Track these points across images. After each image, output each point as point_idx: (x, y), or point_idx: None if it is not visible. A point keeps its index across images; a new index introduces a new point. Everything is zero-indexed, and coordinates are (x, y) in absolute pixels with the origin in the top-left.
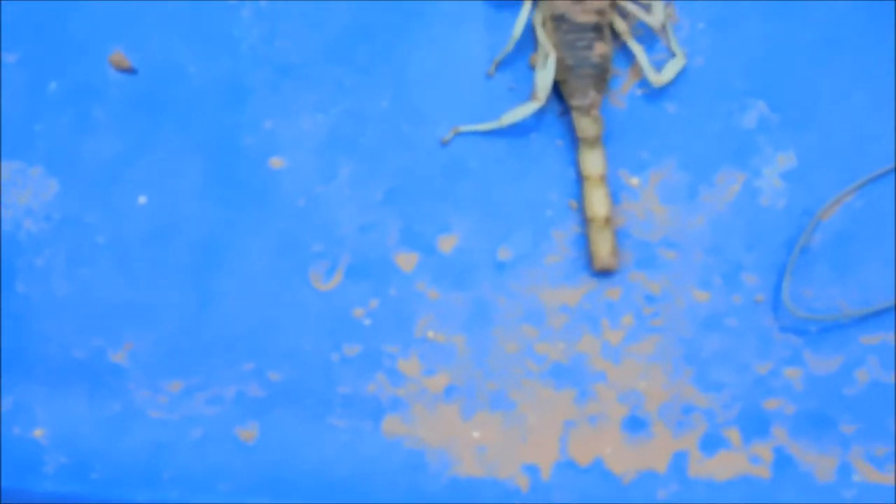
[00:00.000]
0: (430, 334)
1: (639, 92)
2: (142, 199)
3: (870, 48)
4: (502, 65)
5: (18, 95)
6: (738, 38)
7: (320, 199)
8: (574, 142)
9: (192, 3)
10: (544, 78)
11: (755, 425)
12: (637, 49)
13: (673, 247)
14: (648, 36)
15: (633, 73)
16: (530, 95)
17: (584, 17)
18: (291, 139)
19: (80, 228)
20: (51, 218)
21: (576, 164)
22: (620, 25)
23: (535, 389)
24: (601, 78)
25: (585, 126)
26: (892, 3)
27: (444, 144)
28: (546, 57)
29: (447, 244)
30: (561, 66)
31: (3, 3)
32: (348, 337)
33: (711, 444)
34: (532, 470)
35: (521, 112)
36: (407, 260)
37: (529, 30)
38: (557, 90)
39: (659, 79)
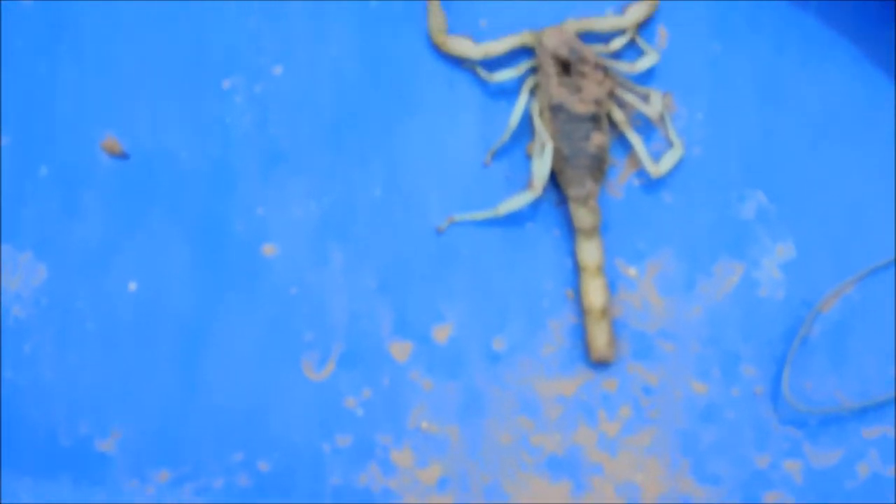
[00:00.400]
0: (424, 425)
1: (636, 182)
2: (132, 286)
3: (867, 139)
4: (499, 153)
5: (9, 179)
6: (736, 129)
7: (312, 286)
8: (571, 231)
9: (184, 88)
10: (541, 167)
11: None
12: (635, 139)
13: (670, 338)
14: (646, 126)
15: (630, 162)
16: (527, 185)
17: (582, 107)
18: (283, 226)
19: (69, 314)
20: (39, 303)
21: (572, 253)
22: (618, 115)
23: (531, 482)
24: (598, 168)
25: (582, 216)
26: (891, 93)
27: (440, 233)
28: (543, 146)
29: (442, 333)
30: (558, 155)
31: None
32: (340, 427)
33: None
34: None
35: (518, 201)
36: (401, 349)
37: (526, 118)
38: (554, 180)
39: (657, 169)
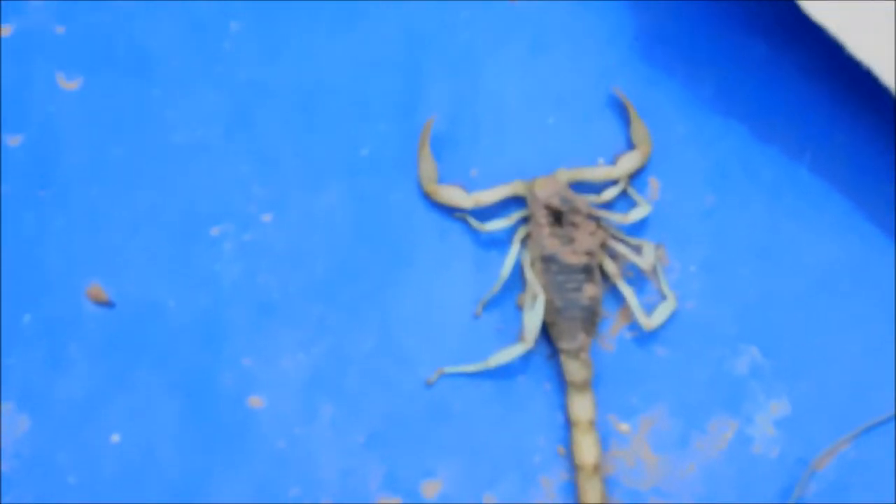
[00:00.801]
0: None
1: (628, 335)
2: (115, 438)
3: (864, 295)
4: (490, 305)
5: None
6: (730, 282)
7: (300, 441)
8: (562, 385)
9: (172, 235)
10: (532, 320)
11: None
12: (627, 291)
13: (664, 496)
14: (639, 278)
15: (622, 315)
16: (518, 337)
17: (574, 258)
18: (271, 378)
19: (51, 468)
20: (20, 455)
21: (564, 408)
22: (610, 267)
23: None
24: (590, 321)
25: (574, 370)
26: (888, 249)
27: (429, 386)
28: (534, 298)
29: (431, 490)
30: (550, 307)
31: None
32: None
33: None
34: None
35: (509, 354)
36: None
37: (518, 270)
38: (546, 332)
39: (649, 322)
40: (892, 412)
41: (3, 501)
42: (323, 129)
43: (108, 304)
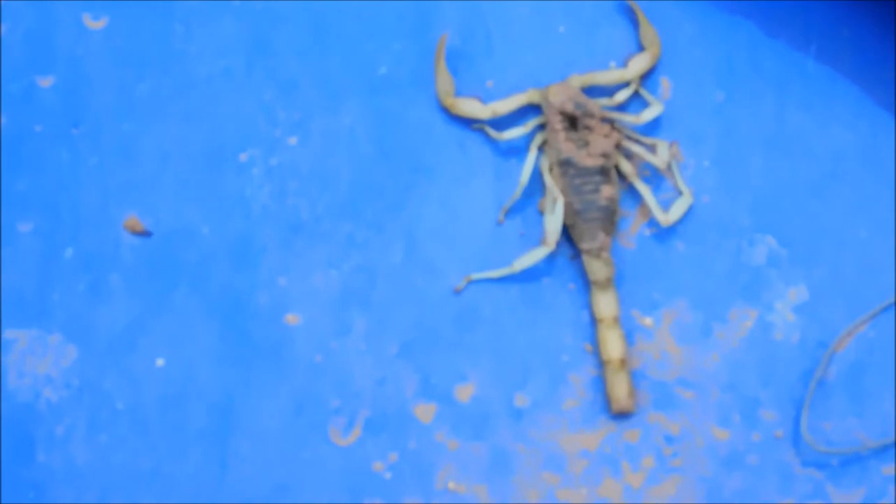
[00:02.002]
0: (451, 485)
1: (647, 232)
2: (159, 362)
3: (873, 179)
4: (511, 211)
5: (35, 264)
6: (744, 175)
7: (336, 354)
8: (586, 284)
9: (203, 164)
10: (553, 223)
11: None
12: (644, 189)
13: (690, 386)
14: (655, 176)
15: (641, 213)
16: (540, 241)
17: (590, 161)
18: (305, 295)
19: (99, 394)
20: (70, 385)
21: (589, 306)
22: (626, 167)
23: None
24: (609, 220)
25: (596, 269)
26: (892, 136)
27: (457, 293)
28: (554, 202)
29: (464, 393)
30: (569, 210)
31: (14, 174)
32: (369, 491)
33: None
34: None
35: (533, 257)
36: (425, 411)
37: (537, 176)
38: (567, 234)
39: (667, 218)
40: None
41: (55, 432)
42: (340, 51)
43: (146, 234)
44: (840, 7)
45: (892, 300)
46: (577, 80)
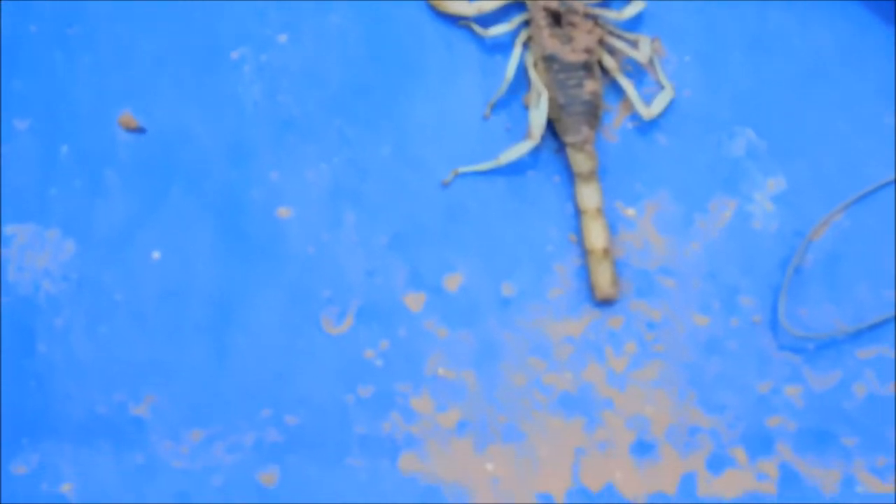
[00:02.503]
0: (441, 371)
1: (630, 125)
2: (156, 255)
3: (849, 75)
4: (497, 106)
5: (31, 161)
6: (724, 70)
7: (328, 246)
8: (570, 177)
9: (194, 61)
10: (538, 117)
11: (760, 443)
12: (626, 84)
13: (671, 274)
14: (637, 71)
15: (623, 107)
16: (526, 134)
17: (574, 56)
18: (297, 190)
19: (98, 287)
20: (69, 278)
21: (573, 198)
22: (609, 62)
23: (545, 420)
24: (593, 114)
25: (580, 161)
26: (874, 28)
27: (445, 186)
28: (539, 96)
29: (453, 283)
30: (553, 104)
31: (11, 73)
32: (361, 378)
33: (718, 463)
34: (546, 498)
35: (518, 151)
36: (415, 300)
37: (522, 71)
38: (552, 128)
39: (649, 112)
40: (881, 182)
41: (54, 324)
42: None
43: (140, 131)
44: None
45: (868, 189)
46: None
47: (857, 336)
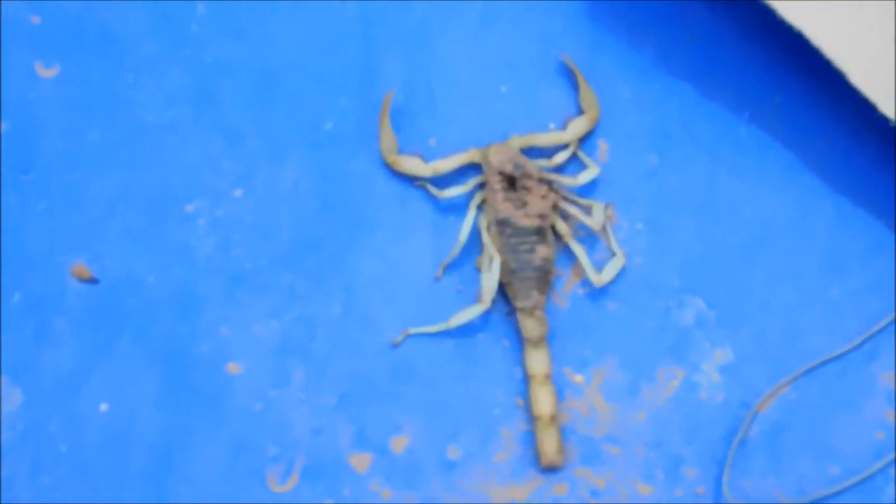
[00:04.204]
0: None
1: (581, 291)
2: (103, 407)
3: (796, 246)
4: (450, 268)
5: None
6: (674, 238)
7: (275, 403)
8: (520, 341)
9: (150, 214)
10: (489, 281)
11: None
12: (578, 250)
13: (616, 442)
14: (589, 237)
15: (575, 272)
16: (477, 298)
17: (527, 221)
18: (246, 345)
19: (44, 437)
20: (14, 428)
21: (522, 363)
22: (562, 228)
23: None
24: (544, 280)
25: (530, 326)
26: (823, 199)
27: (395, 347)
28: (491, 260)
29: (399, 444)
30: (505, 268)
31: None
32: None
33: None
34: None
35: (469, 314)
36: (360, 461)
37: (475, 234)
38: (503, 291)
39: (600, 279)
40: (827, 356)
41: (2, 473)
42: (287, 106)
43: (92, 281)
44: (773, 75)
45: (815, 363)
46: (518, 141)
47: None
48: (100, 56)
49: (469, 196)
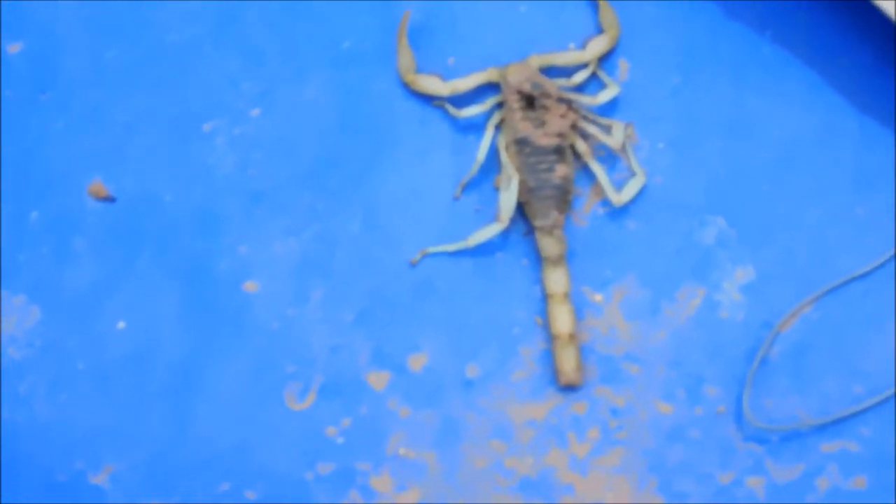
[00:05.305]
0: (402, 451)
1: (601, 211)
2: (121, 325)
3: (821, 166)
4: (468, 187)
5: (1, 226)
6: (697, 158)
7: (293, 321)
8: (539, 260)
9: (167, 132)
10: (508, 200)
11: None
12: (598, 169)
13: (636, 361)
14: (609, 156)
15: (594, 192)
16: (495, 217)
17: (546, 140)
18: (265, 263)
19: (62, 354)
20: (33, 345)
21: (541, 281)
22: (581, 147)
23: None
24: (563, 199)
25: (549, 245)
26: (848, 118)
27: (413, 266)
28: (509, 179)
29: (417, 363)
30: (524, 188)
31: None
32: (322, 455)
33: None
34: None
35: (487, 233)
36: (378, 379)
37: (494, 153)
38: (521, 211)
39: (620, 198)
40: (852, 275)
41: (18, 388)
42: (306, 24)
43: (110, 200)
44: None
45: (838, 282)
46: (536, 60)
47: (822, 429)
48: None
49: (487, 115)
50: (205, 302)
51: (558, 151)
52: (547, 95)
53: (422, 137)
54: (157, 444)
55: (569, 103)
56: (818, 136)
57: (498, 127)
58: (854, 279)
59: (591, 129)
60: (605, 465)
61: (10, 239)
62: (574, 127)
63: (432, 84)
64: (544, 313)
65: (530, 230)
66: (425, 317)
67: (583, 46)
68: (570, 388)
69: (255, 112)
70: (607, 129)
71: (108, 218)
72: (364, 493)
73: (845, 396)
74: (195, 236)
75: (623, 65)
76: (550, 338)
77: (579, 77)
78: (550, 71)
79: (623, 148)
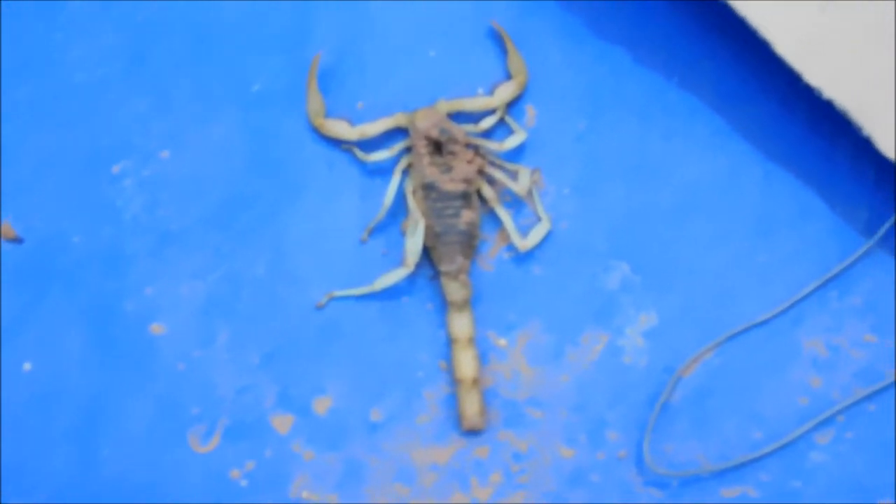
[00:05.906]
0: (305, 494)
1: (506, 256)
2: (27, 366)
3: (725, 212)
4: (375, 231)
5: None
6: (602, 203)
7: (199, 363)
8: (444, 305)
9: (76, 174)
10: (414, 244)
11: None
12: (504, 215)
13: (539, 406)
14: (515, 201)
15: (500, 237)
16: (401, 261)
17: (452, 186)
18: (171, 305)
19: None
20: None
21: (445, 326)
22: (488, 192)
23: None
24: (469, 244)
25: (454, 290)
26: (751, 165)
27: (319, 308)
28: (416, 224)
29: (322, 406)
30: (430, 232)
31: None
32: (225, 498)
33: None
34: None
35: (393, 277)
36: (283, 422)
37: (401, 197)
38: (428, 255)
39: (525, 243)
40: (753, 321)
41: None
42: (216, 66)
43: (18, 241)
44: (702, 40)
45: (738, 329)
46: (445, 105)
47: (722, 474)
48: (30, 13)
49: (395, 160)
50: (111, 343)
51: (465, 197)
52: (454, 141)
53: (330, 180)
54: (62, 485)
55: (476, 149)
56: (722, 183)
57: (405, 171)
58: (754, 325)
59: (498, 175)
60: None
61: None
62: (481, 172)
63: (341, 128)
64: (448, 357)
65: (436, 274)
66: (331, 360)
67: (491, 92)
68: (473, 433)
69: (165, 154)
70: (514, 175)
71: (16, 258)
72: None
73: (745, 442)
74: (102, 277)
75: (530, 111)
76: (454, 382)
77: (487, 123)
78: (458, 116)
79: (529, 193)
